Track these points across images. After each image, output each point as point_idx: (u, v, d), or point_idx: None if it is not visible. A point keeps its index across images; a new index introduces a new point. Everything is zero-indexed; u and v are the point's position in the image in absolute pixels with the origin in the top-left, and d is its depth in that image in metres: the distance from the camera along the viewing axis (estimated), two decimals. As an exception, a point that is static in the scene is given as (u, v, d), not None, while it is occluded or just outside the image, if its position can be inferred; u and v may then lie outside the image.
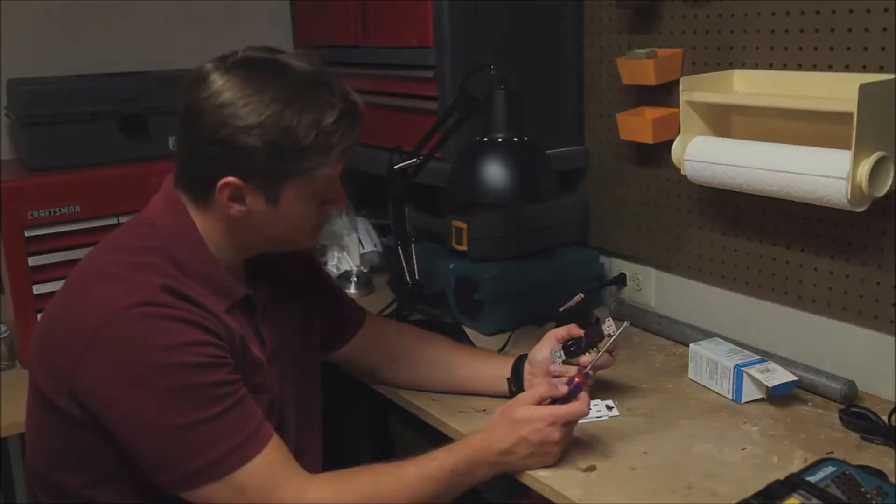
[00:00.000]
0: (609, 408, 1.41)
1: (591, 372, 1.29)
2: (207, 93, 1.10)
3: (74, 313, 1.10)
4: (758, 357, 1.47)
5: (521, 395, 1.27)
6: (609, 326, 1.33)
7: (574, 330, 1.37)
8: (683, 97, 1.52)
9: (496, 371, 1.45)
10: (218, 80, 1.10)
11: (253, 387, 1.15)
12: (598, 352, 1.32)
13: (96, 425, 1.08)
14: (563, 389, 1.26)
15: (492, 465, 1.22)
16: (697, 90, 1.51)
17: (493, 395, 1.45)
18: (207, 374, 1.07)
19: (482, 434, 1.24)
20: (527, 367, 1.41)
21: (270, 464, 1.09)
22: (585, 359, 1.33)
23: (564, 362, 1.36)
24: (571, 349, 1.35)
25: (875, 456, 1.25)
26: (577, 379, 1.27)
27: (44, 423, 1.15)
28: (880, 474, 1.11)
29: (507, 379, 1.43)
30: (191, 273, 1.14)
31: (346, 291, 2.06)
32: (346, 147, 1.14)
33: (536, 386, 1.27)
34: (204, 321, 1.09)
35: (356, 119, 1.15)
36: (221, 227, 1.17)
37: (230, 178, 1.11)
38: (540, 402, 1.25)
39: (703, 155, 1.51)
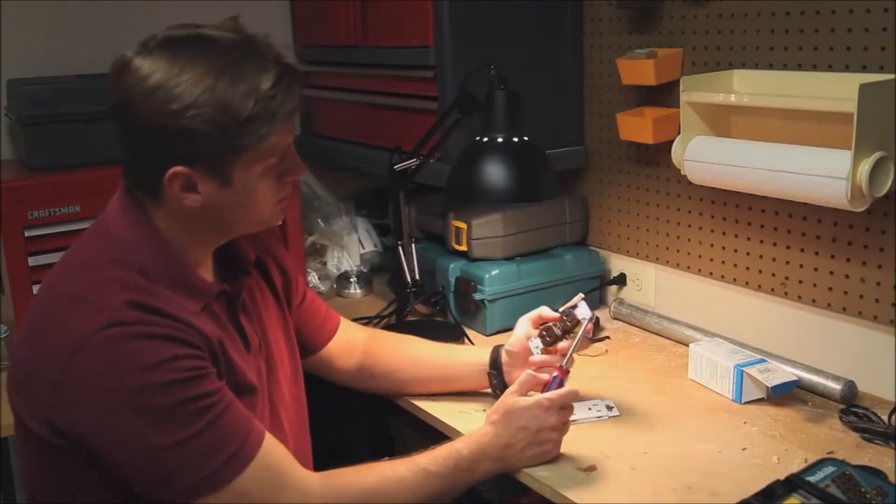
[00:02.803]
0: (609, 408, 1.41)
1: (567, 363, 1.31)
2: (133, 80, 1.03)
3: (42, 343, 1.05)
4: (758, 357, 1.47)
5: (509, 389, 1.28)
6: (582, 310, 1.33)
7: (546, 313, 1.38)
8: (683, 97, 1.52)
9: (473, 365, 1.45)
10: (142, 66, 1.04)
11: (238, 388, 1.12)
12: (575, 336, 1.33)
13: (74, 451, 1.04)
14: (546, 378, 1.29)
15: (493, 459, 1.23)
16: (697, 90, 1.51)
17: (474, 389, 1.46)
18: (189, 388, 1.02)
19: (481, 431, 1.25)
20: (505, 358, 1.42)
21: (268, 466, 1.07)
22: (564, 346, 1.34)
23: (544, 350, 1.37)
24: (547, 338, 1.36)
25: (875, 456, 1.25)
26: (557, 374, 1.30)
27: (24, 450, 1.11)
28: (880, 474, 1.11)
29: (489, 373, 1.43)
30: (159, 278, 1.08)
31: (346, 291, 2.07)
32: (288, 111, 1.08)
33: (521, 380, 1.28)
34: (178, 333, 1.04)
35: (294, 80, 1.08)
36: (181, 222, 1.11)
37: (177, 168, 1.05)
38: (528, 394, 1.27)
39: (703, 155, 1.51)
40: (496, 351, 1.44)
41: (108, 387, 1.00)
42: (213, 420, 1.03)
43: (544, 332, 1.36)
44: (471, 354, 1.49)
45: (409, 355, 1.48)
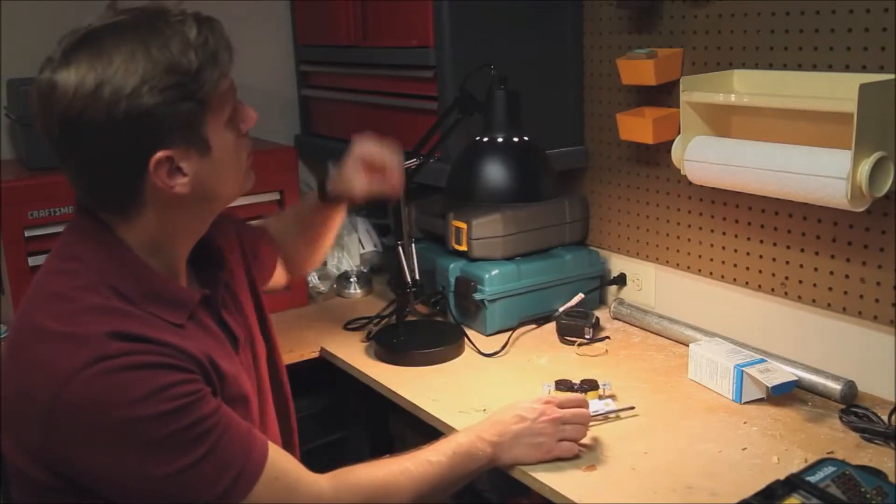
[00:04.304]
0: (609, 407, 1.41)
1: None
2: (69, 93, 0.97)
3: (24, 386, 0.99)
4: (758, 357, 1.47)
5: None
6: (595, 405, 1.40)
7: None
8: (683, 97, 1.52)
9: (313, 201, 1.53)
10: (68, 76, 0.98)
11: (233, 399, 1.09)
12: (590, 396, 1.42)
13: (70, 490, 1.01)
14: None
15: (489, 443, 1.24)
16: (697, 90, 1.51)
17: (335, 223, 1.56)
18: (185, 415, 0.98)
19: (482, 420, 1.30)
20: (334, 173, 1.49)
21: (276, 478, 1.05)
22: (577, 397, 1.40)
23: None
24: (561, 388, 1.44)
25: (875, 456, 1.25)
26: None
27: (17, 488, 1.07)
28: (880, 474, 1.11)
29: (319, 192, 1.51)
30: (137, 298, 1.03)
31: (346, 291, 2.07)
32: (224, 49, 1.05)
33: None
34: (166, 359, 0.99)
35: (210, 20, 1.05)
36: (162, 225, 1.07)
37: (158, 155, 1.00)
38: None
39: (703, 155, 1.51)
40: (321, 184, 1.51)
41: (102, 424, 0.96)
42: (215, 442, 1.00)
43: (560, 384, 1.45)
44: (311, 197, 1.55)
45: (280, 229, 1.54)
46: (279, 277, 1.55)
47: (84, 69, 0.98)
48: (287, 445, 1.30)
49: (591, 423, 1.34)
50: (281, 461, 1.08)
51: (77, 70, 0.98)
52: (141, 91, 0.97)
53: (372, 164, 1.44)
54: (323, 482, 1.12)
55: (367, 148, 1.45)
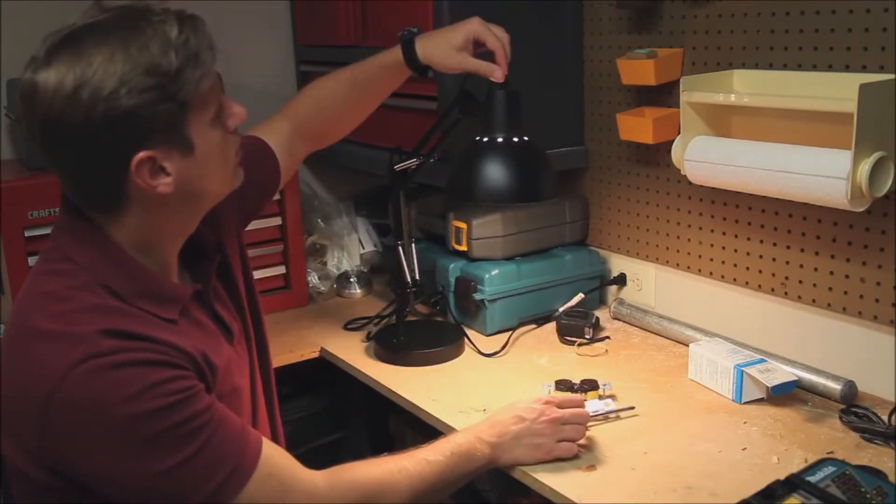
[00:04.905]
0: (608, 407, 1.41)
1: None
2: (49, 94, 0.97)
3: (21, 385, 1.00)
4: (758, 357, 1.47)
5: None
6: (592, 405, 1.39)
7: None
8: (683, 97, 1.52)
9: (385, 57, 1.51)
10: (48, 77, 0.97)
11: (225, 392, 1.10)
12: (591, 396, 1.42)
13: (70, 490, 1.02)
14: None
15: (488, 444, 1.24)
16: (697, 90, 1.51)
17: (392, 87, 1.57)
18: (178, 412, 0.98)
19: (479, 421, 1.30)
20: (424, 45, 1.46)
21: (270, 475, 1.05)
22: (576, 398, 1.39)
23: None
24: (561, 387, 1.43)
25: (875, 456, 1.25)
26: None
27: (18, 490, 1.08)
28: (880, 474, 1.11)
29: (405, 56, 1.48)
30: (130, 295, 1.03)
31: (346, 291, 2.07)
32: (206, 48, 1.04)
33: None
34: (159, 356, 0.99)
35: (193, 19, 1.04)
36: (149, 224, 1.06)
37: (139, 156, 0.99)
38: None
39: (703, 155, 1.51)
40: (407, 44, 1.47)
41: (95, 421, 0.96)
42: (208, 439, 1.00)
43: (560, 384, 1.44)
44: (383, 57, 1.52)
45: (323, 94, 1.55)
46: (296, 158, 1.56)
47: (63, 70, 0.97)
48: (273, 438, 1.31)
49: (591, 423, 1.34)
50: (275, 457, 1.08)
51: (57, 71, 0.97)
52: (119, 93, 0.97)
53: (483, 43, 1.45)
54: (318, 479, 1.11)
55: (484, 28, 1.45)
